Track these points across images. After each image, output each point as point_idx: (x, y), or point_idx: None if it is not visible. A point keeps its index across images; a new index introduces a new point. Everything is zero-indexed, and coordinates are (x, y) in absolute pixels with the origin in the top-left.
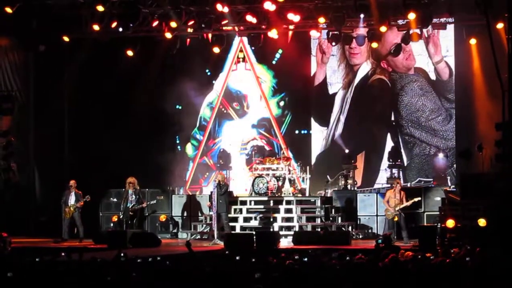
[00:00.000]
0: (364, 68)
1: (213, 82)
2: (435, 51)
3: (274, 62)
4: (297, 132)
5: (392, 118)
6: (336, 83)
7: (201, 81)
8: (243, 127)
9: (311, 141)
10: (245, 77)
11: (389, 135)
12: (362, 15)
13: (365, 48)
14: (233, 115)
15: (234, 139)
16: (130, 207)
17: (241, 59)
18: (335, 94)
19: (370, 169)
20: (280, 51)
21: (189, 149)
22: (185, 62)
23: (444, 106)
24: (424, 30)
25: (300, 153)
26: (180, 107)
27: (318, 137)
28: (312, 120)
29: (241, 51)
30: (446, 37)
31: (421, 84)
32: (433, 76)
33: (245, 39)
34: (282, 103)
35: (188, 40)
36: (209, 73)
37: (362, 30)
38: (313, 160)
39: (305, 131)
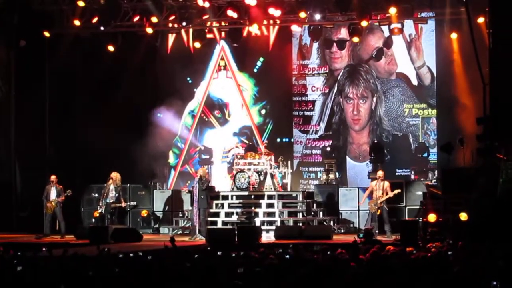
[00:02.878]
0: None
1: (195, 90)
2: (417, 56)
3: (255, 70)
4: (278, 140)
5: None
6: (317, 90)
7: (182, 89)
8: (225, 135)
9: (293, 149)
10: (227, 85)
11: (367, 135)
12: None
13: (346, 53)
14: (215, 123)
15: (216, 147)
16: (110, 202)
17: (222, 67)
18: (315, 101)
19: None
20: (261, 59)
21: (170, 157)
22: (166, 69)
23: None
24: (407, 34)
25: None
26: (161, 115)
27: (298, 145)
28: (294, 128)
29: (222, 59)
30: (428, 41)
31: (402, 89)
32: (415, 81)
33: (226, 47)
34: (263, 111)
35: (170, 47)
36: (190, 81)
37: (343, 34)
38: (295, 167)
39: (287, 139)
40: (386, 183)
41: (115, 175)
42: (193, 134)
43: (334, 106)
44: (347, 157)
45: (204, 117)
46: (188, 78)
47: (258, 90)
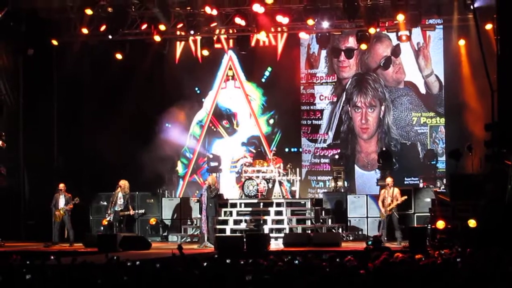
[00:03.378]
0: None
1: (203, 100)
2: (425, 64)
3: (263, 80)
4: (287, 150)
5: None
6: (325, 98)
7: (190, 98)
8: (233, 145)
9: (301, 158)
10: (235, 95)
11: (375, 144)
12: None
13: (354, 61)
14: (223, 133)
15: (224, 156)
16: (118, 210)
17: (230, 77)
18: (323, 110)
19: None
20: (269, 69)
21: (179, 167)
22: (174, 79)
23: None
24: (415, 43)
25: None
26: (169, 125)
27: (307, 154)
28: (302, 137)
29: (230, 69)
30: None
31: (411, 98)
32: (423, 90)
33: (234, 57)
34: (271, 121)
35: (178, 57)
36: (198, 91)
37: (351, 42)
38: (303, 176)
39: (295, 149)
40: (396, 190)
41: (123, 183)
42: (201, 144)
43: (342, 115)
44: (356, 166)
45: (212, 127)
46: (196, 88)
47: (266, 100)
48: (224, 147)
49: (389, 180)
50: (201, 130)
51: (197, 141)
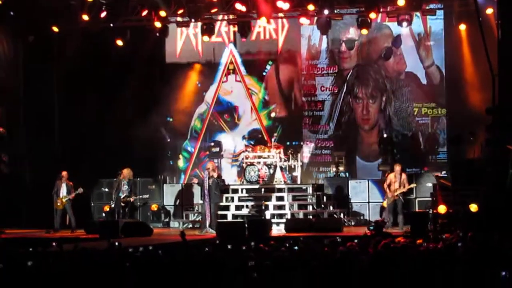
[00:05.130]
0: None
1: (204, 93)
2: (426, 55)
3: (264, 74)
4: (288, 143)
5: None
6: (326, 90)
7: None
8: (234, 139)
9: (302, 149)
10: (236, 89)
11: (376, 135)
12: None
13: (355, 53)
14: (224, 127)
15: (226, 151)
16: (122, 197)
17: (231, 71)
18: (324, 101)
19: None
20: (270, 62)
21: (180, 161)
22: (175, 73)
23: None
24: (416, 33)
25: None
26: (171, 119)
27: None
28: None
29: (231, 62)
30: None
31: (412, 88)
32: (424, 81)
33: (235, 51)
34: (272, 115)
35: (179, 52)
36: (199, 85)
37: (352, 33)
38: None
39: (296, 143)
40: (403, 176)
41: (127, 171)
42: (202, 138)
43: (343, 106)
44: (357, 157)
45: (214, 121)
46: (198, 82)
47: (267, 94)
48: (226, 141)
49: (397, 167)
50: (202, 124)
51: (198, 135)
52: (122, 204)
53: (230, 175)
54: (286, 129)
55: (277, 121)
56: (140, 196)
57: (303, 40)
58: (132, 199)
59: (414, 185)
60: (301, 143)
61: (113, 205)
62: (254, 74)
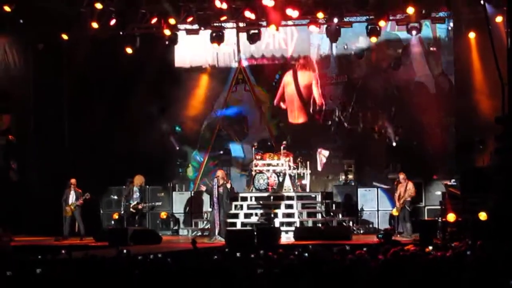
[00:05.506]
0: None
1: (213, 103)
2: (435, 64)
3: (274, 84)
4: (297, 152)
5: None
6: (335, 99)
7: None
8: (244, 148)
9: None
10: (245, 99)
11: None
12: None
13: (364, 62)
14: (233, 137)
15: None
16: (132, 204)
17: (240, 80)
18: (333, 110)
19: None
20: (279, 72)
21: (189, 171)
22: (184, 81)
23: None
24: (425, 42)
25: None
26: (179, 129)
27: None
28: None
29: (240, 72)
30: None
31: (421, 98)
32: (433, 90)
33: (244, 61)
34: (281, 124)
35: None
36: (208, 93)
37: (361, 42)
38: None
39: (305, 151)
40: (410, 184)
41: (139, 177)
42: (211, 148)
43: (353, 115)
44: (366, 166)
45: (223, 130)
46: (207, 90)
47: (276, 103)
48: (235, 150)
49: (401, 176)
50: (211, 134)
51: (208, 144)
52: (133, 211)
53: (239, 185)
54: (295, 138)
55: (286, 130)
56: (153, 203)
57: (312, 49)
58: (140, 206)
59: (412, 195)
60: (311, 152)
61: (122, 212)
62: (263, 84)
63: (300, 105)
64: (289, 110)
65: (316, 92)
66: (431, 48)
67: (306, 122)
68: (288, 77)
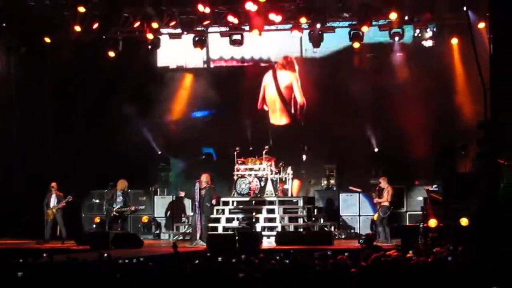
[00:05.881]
0: None
1: (195, 106)
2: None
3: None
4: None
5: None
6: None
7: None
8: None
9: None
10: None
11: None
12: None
13: (347, 65)
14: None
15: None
16: (115, 208)
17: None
18: (315, 114)
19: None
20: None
21: (172, 174)
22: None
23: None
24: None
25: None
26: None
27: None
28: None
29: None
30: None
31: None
32: (415, 94)
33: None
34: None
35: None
36: (191, 96)
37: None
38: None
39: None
40: (386, 189)
41: (122, 181)
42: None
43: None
44: (348, 171)
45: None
46: (189, 93)
47: (259, 107)
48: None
49: (380, 180)
50: (191, 137)
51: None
52: (116, 214)
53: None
54: (278, 141)
55: (271, 132)
56: (139, 207)
57: (296, 53)
58: (132, 209)
59: (383, 200)
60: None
61: (104, 216)
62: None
63: (282, 106)
64: (271, 111)
65: (297, 91)
66: (413, 53)
67: (290, 123)
68: (267, 78)
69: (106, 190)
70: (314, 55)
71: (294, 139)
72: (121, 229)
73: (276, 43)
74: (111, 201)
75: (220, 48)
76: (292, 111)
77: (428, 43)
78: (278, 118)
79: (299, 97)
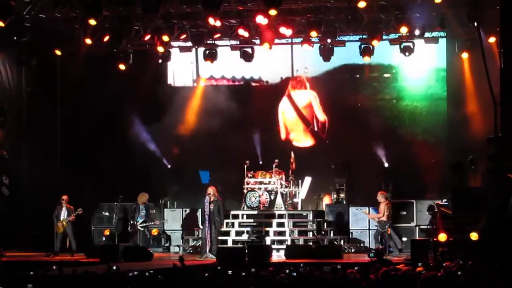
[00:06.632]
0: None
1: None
2: (428, 83)
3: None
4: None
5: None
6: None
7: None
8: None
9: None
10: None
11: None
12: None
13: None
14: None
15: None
16: (139, 222)
17: None
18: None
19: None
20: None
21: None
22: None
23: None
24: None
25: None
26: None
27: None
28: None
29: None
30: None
31: (412, 116)
32: (425, 108)
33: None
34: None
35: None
36: (202, 110)
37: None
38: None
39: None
40: (383, 204)
41: (143, 195)
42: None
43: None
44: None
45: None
46: (200, 107)
47: (285, 138)
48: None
49: (379, 195)
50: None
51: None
52: (140, 228)
53: (230, 203)
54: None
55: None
56: (163, 220)
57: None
58: (157, 222)
59: (373, 216)
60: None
61: (130, 229)
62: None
63: (304, 127)
64: (295, 135)
65: (317, 109)
66: (424, 68)
67: (315, 144)
68: (283, 105)
69: (133, 204)
70: (306, 75)
71: (319, 157)
72: (133, 242)
73: (268, 63)
74: (134, 215)
75: (221, 67)
76: (315, 129)
77: (438, 58)
78: (303, 139)
79: (320, 115)
